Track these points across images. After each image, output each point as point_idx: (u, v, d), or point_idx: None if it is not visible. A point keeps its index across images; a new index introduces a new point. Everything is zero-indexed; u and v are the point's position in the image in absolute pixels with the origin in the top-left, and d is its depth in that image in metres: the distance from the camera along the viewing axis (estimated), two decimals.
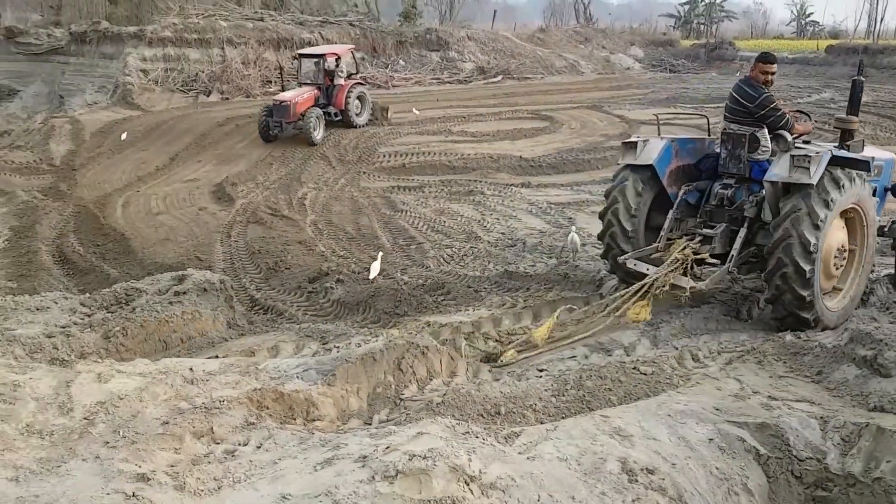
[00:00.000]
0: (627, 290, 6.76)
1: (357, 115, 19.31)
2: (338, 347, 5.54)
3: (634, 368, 5.42)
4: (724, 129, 7.04)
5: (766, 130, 6.82)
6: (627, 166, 7.32)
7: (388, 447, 3.28)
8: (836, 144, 6.93)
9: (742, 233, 6.72)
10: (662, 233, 7.05)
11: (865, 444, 3.72)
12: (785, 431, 3.95)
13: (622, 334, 6.53)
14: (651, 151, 7.11)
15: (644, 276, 6.77)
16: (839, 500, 3.63)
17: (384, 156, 17.05)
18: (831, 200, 6.13)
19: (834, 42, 48.03)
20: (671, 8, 72.97)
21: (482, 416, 4.30)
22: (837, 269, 6.59)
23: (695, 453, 3.80)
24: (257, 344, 6.44)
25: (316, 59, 19.17)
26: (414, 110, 22.46)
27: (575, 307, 7.03)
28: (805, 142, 7.02)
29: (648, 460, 3.64)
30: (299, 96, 17.90)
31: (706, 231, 6.92)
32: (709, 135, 7.87)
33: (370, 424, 4.30)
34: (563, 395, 4.82)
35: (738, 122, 6.91)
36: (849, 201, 6.40)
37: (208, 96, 24.92)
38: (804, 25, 73.49)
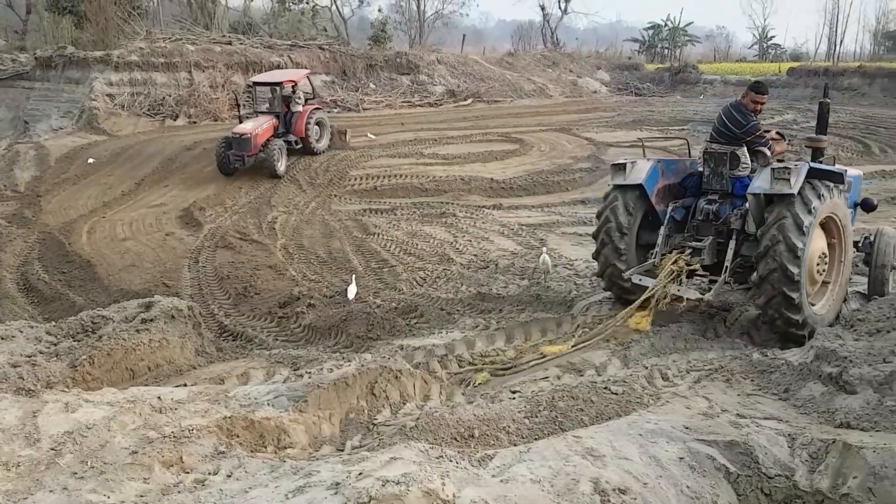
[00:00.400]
0: (633, 304, 7.15)
1: (317, 140, 18.82)
2: (309, 373, 5.50)
3: (606, 388, 5.46)
4: (706, 148, 7.48)
5: (745, 148, 7.27)
6: (618, 186, 7.68)
7: (360, 473, 3.26)
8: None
9: (732, 244, 7.11)
10: (657, 248, 7.40)
11: (833, 461, 3.76)
12: (754, 449, 3.98)
13: (593, 355, 6.58)
14: (639, 172, 7.50)
15: (645, 289, 7.16)
16: None
17: (355, 179, 17.06)
18: (812, 209, 6.50)
19: (795, 64, 49.25)
20: (636, 33, 74.30)
21: (456, 439, 4.29)
22: (820, 274, 6.92)
23: (666, 472, 3.83)
24: (227, 371, 6.37)
25: (272, 87, 18.35)
26: (369, 134, 22.14)
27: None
28: (779, 160, 7.38)
29: (620, 480, 3.65)
30: (259, 127, 17.10)
31: (695, 244, 7.32)
32: (689, 156, 8.29)
33: (343, 451, 4.27)
34: (536, 417, 4.83)
35: (721, 142, 7.37)
36: (826, 211, 6.76)
37: (175, 120, 24.76)
38: (766, 48, 75.30)
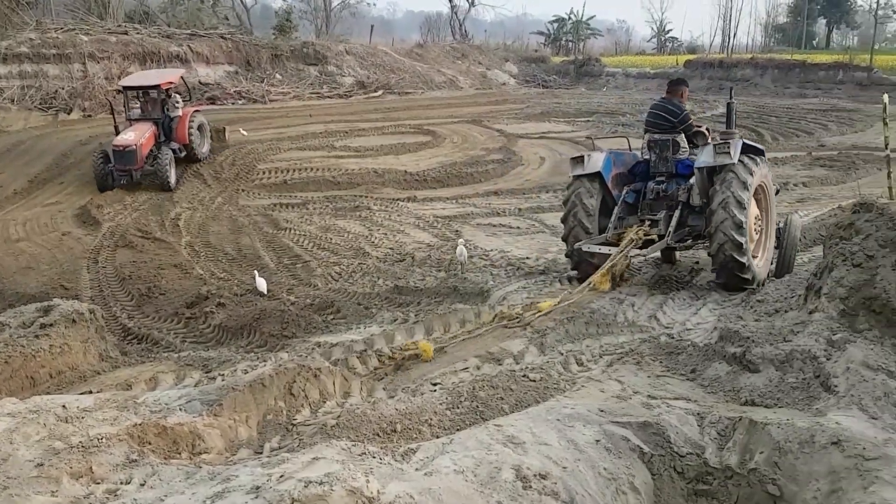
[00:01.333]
0: (602, 266, 8.08)
1: (199, 146, 16.98)
2: (223, 375, 5.34)
3: (524, 376, 5.55)
4: (650, 139, 8.60)
5: (683, 136, 8.45)
6: (579, 176, 8.61)
7: (281, 476, 3.18)
8: None
9: (676, 213, 8.26)
10: (611, 224, 8.51)
11: (740, 437, 3.93)
12: (666, 429, 4.12)
13: (511, 343, 6.67)
14: (596, 162, 8.53)
15: (604, 256, 8.19)
16: (719, 493, 3.82)
17: (264, 172, 16.68)
18: (750, 174, 7.77)
19: (692, 57, 51.45)
20: (541, 26, 75.72)
21: (378, 435, 4.26)
22: (756, 233, 8.14)
23: (583, 455, 3.92)
24: (134, 376, 6.11)
25: (147, 91, 16.28)
26: (241, 131, 20.48)
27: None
28: (701, 133, 8.63)
29: (541, 466, 3.71)
30: (142, 137, 15.19)
31: (652, 217, 8.42)
32: (629, 149, 9.30)
33: (261, 453, 4.16)
34: (458, 408, 4.86)
35: (661, 131, 8.50)
36: (759, 178, 8.01)
37: (69, 114, 23.50)
38: (664, 42, 78.29)
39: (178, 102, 16.55)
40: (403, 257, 10.54)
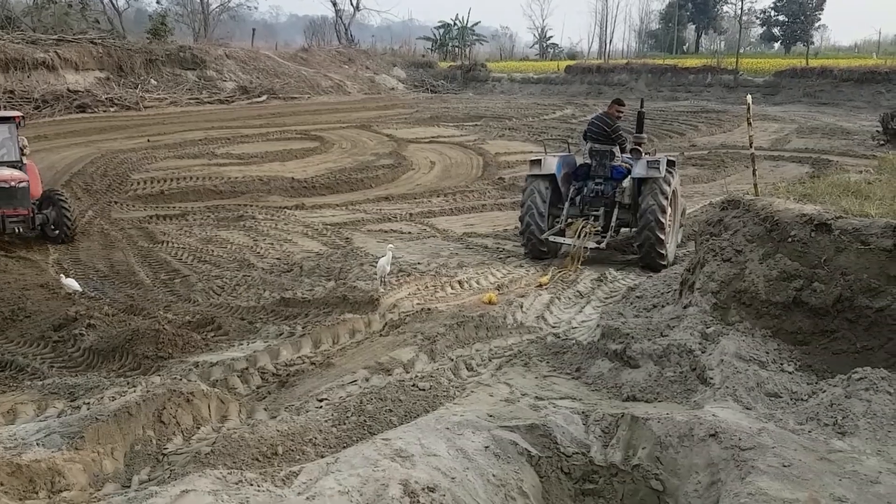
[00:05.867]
0: (571, 251, 9.88)
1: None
2: (88, 404, 4.93)
3: (413, 385, 5.45)
4: (591, 148, 10.32)
5: (617, 147, 10.26)
6: (535, 176, 10.25)
7: None
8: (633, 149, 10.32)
9: (616, 212, 10.11)
10: (563, 216, 10.27)
11: (623, 434, 3.98)
12: (552, 430, 4.12)
13: (401, 352, 6.55)
14: (550, 165, 10.22)
15: (561, 245, 10.20)
16: (605, 491, 3.85)
17: (139, 183, 15.85)
18: (670, 184, 9.65)
19: (572, 63, 53.15)
20: (428, 31, 76.18)
21: (258, 459, 4.03)
22: (669, 226, 9.82)
23: (472, 464, 3.86)
24: None
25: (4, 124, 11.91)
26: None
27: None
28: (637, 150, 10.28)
29: (429, 478, 3.62)
30: (21, 174, 11.62)
31: (595, 213, 10.20)
32: (569, 152, 11.09)
33: (129, 487, 3.85)
34: (344, 424, 4.69)
35: (599, 141, 10.24)
36: (674, 186, 9.89)
37: None
38: (546, 48, 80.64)
39: (24, 144, 12.40)
40: (291, 267, 10.22)
